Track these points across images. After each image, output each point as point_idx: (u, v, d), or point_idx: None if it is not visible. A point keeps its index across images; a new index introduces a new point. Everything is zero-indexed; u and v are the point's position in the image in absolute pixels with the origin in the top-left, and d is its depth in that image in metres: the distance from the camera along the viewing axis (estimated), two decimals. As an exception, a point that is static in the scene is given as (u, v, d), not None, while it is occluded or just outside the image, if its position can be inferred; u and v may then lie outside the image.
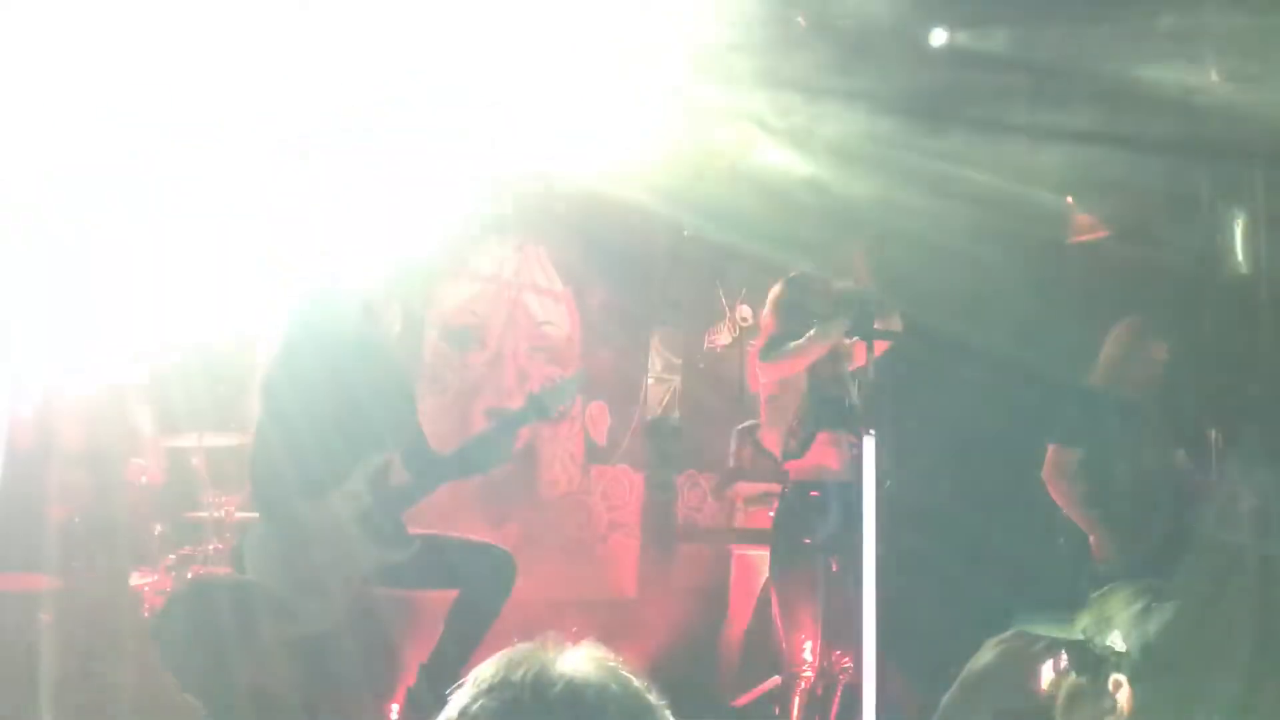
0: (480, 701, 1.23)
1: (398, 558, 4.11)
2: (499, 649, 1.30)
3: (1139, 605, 1.89)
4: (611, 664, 1.27)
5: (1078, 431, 5.83)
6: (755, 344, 4.94)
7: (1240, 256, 6.53)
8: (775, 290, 4.81)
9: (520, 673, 1.23)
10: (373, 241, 6.25)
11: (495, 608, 4.19)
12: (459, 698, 1.25)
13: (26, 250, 4.98)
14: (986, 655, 1.81)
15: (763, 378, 4.81)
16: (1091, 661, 1.86)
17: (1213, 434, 6.43)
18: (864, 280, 4.83)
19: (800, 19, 6.56)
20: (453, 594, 4.26)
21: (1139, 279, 6.95)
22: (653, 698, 1.27)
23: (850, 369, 4.59)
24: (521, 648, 1.29)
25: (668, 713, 1.27)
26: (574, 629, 1.34)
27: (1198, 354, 6.56)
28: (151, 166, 5.46)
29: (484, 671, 1.26)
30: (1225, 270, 6.55)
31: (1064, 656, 1.82)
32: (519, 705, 1.20)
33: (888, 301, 4.77)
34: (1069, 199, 7.26)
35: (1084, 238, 7.34)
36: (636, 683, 1.27)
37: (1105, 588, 1.82)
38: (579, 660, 1.26)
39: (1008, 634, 1.75)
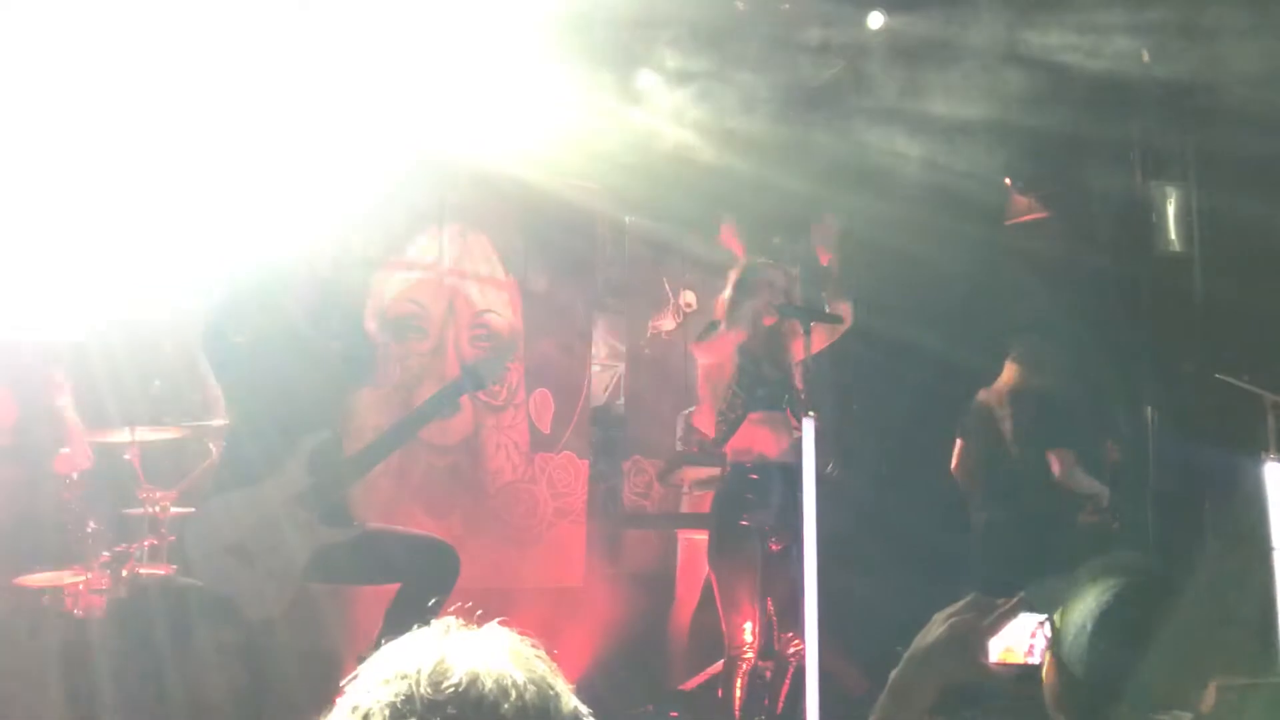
0: (373, 694, 1.15)
1: (339, 538, 4.06)
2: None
3: (1092, 583, 1.89)
4: (517, 647, 1.20)
5: (970, 427, 6.02)
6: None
7: (1173, 235, 6.61)
8: (731, 275, 4.81)
9: (417, 661, 1.16)
10: (311, 225, 6.21)
11: (436, 602, 4.15)
12: (353, 690, 1.17)
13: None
14: (936, 629, 1.79)
15: (698, 359, 4.82)
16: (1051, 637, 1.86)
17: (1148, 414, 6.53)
18: (828, 264, 4.81)
19: (739, 3, 6.56)
20: (394, 588, 4.22)
21: (1076, 259, 7.03)
22: (560, 682, 1.20)
23: (795, 352, 4.59)
24: (420, 633, 1.21)
25: (574, 699, 1.20)
26: (509, 622, 1.27)
27: (1132, 334, 6.66)
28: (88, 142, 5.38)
29: (378, 661, 1.18)
30: (1159, 248, 6.63)
31: (1040, 628, 1.83)
32: (411, 698, 1.12)
33: (843, 286, 4.77)
34: (1007, 181, 7.31)
35: (1022, 219, 7.40)
36: (543, 667, 1.19)
37: (1092, 561, 1.84)
38: (481, 646, 1.19)
39: (958, 605, 1.75)
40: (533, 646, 1.22)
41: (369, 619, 4.45)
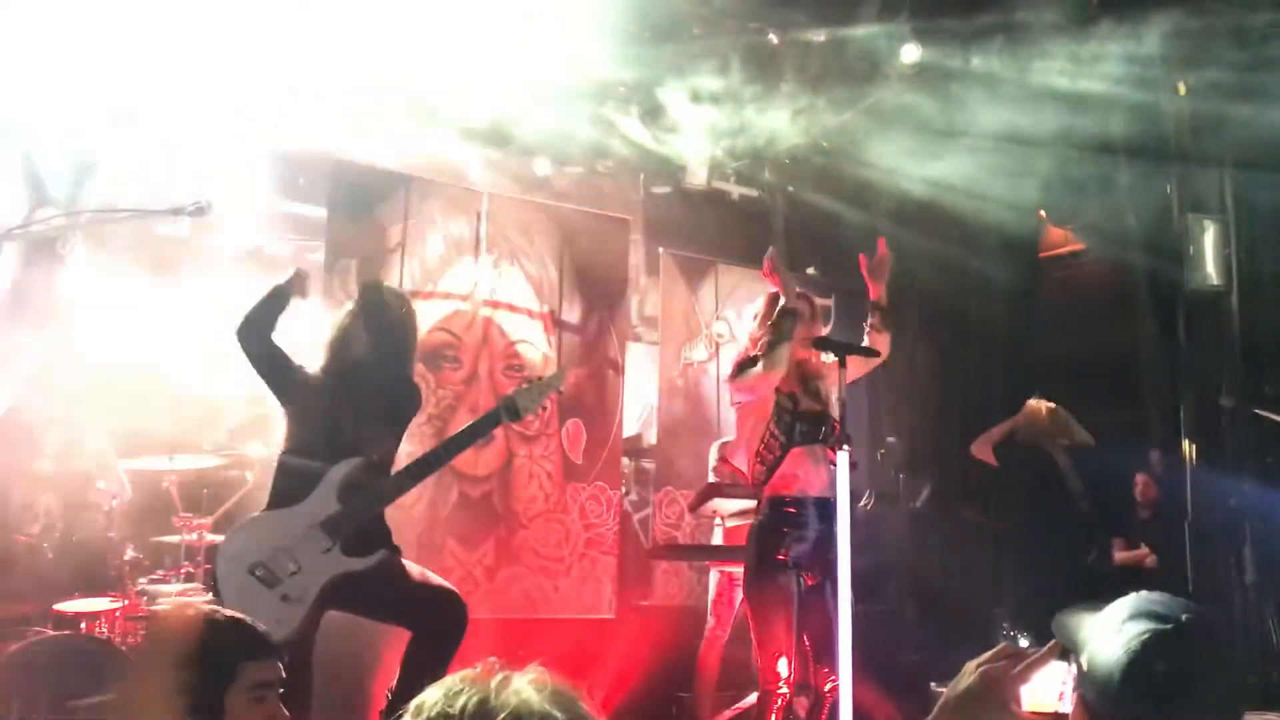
0: None
1: (358, 566, 4.10)
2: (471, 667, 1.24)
3: (1123, 625, 1.85)
4: (557, 689, 1.22)
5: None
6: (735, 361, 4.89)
7: (1210, 269, 6.56)
8: (762, 308, 4.77)
9: (461, 702, 1.17)
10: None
11: (447, 654, 4.17)
12: None
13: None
14: (967, 678, 1.76)
15: (735, 397, 4.79)
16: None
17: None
18: (876, 296, 4.76)
19: (773, 36, 6.61)
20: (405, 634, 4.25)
21: (1113, 291, 7.01)
22: None
23: (833, 385, 4.54)
24: (464, 675, 1.23)
25: None
26: (540, 652, 1.28)
27: (1169, 368, 6.61)
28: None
29: (426, 700, 1.20)
30: (1196, 282, 6.58)
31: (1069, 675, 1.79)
32: None
33: (888, 318, 4.72)
34: (1042, 214, 7.29)
35: (1057, 251, 7.38)
36: (584, 708, 1.21)
37: (1122, 602, 1.80)
38: (522, 687, 1.20)
39: (988, 654, 1.72)
40: (573, 687, 1.23)
41: (391, 654, 4.46)
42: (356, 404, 4.25)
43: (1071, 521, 6.52)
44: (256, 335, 4.31)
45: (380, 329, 4.36)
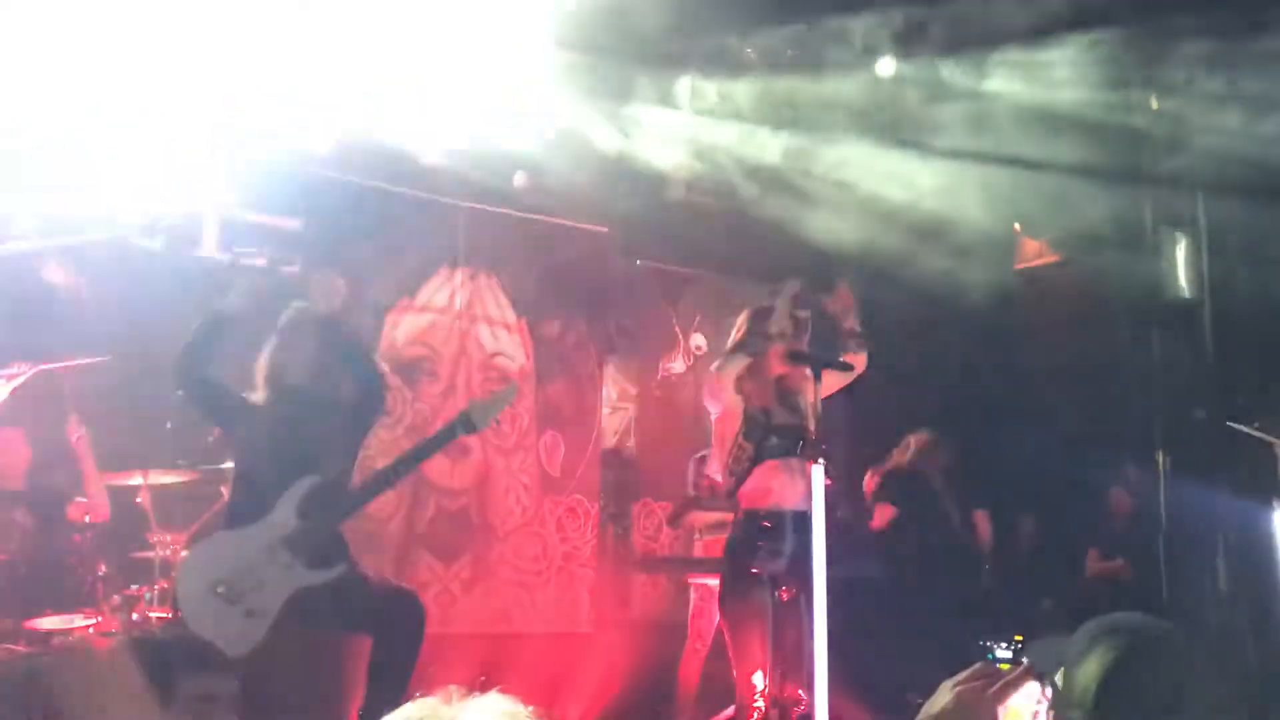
0: None
1: (318, 580, 4.13)
2: (444, 684, 1.24)
3: (1095, 644, 1.87)
4: (515, 711, 1.21)
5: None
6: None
7: (1183, 281, 6.61)
8: (740, 319, 4.82)
9: None
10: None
11: (410, 655, 4.19)
12: None
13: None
14: (943, 697, 1.77)
15: (706, 406, 4.83)
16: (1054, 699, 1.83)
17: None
18: (845, 314, 4.80)
19: (750, 50, 6.63)
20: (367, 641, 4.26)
21: (1087, 303, 7.04)
22: None
23: (810, 397, 4.56)
24: (424, 702, 1.22)
25: None
26: (517, 668, 1.27)
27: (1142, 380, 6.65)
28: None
29: None
30: (1169, 294, 6.63)
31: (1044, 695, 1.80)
32: None
33: (864, 336, 4.76)
34: (1016, 226, 7.33)
35: (1031, 263, 7.42)
36: None
37: (1093, 621, 1.80)
38: (482, 712, 1.20)
39: (964, 674, 1.72)
40: (531, 713, 1.22)
41: (355, 666, 4.46)
42: (304, 423, 4.26)
43: (954, 546, 6.62)
44: (191, 366, 4.30)
45: (322, 342, 4.37)
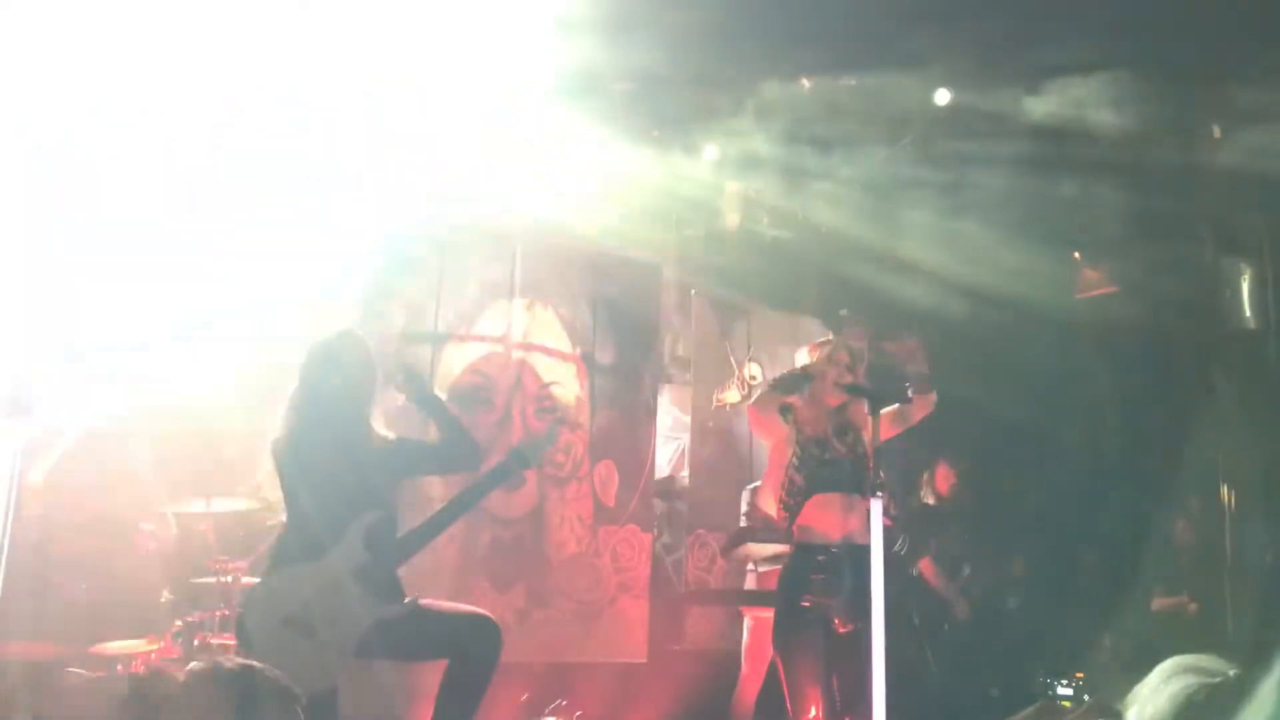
0: None
1: (391, 614, 4.14)
2: (504, 712, 1.25)
3: (1168, 684, 1.85)
4: None
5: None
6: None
7: (1248, 311, 6.52)
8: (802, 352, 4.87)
9: None
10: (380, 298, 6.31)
11: (485, 677, 4.20)
12: None
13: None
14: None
15: (756, 435, 4.87)
16: None
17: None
18: (911, 355, 4.80)
19: (805, 81, 6.64)
20: (442, 664, 4.27)
21: (1148, 334, 6.96)
22: None
23: (867, 433, 4.56)
24: None
25: None
26: (572, 696, 1.27)
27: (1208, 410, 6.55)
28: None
29: None
30: (1233, 325, 6.54)
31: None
32: None
33: (931, 376, 4.76)
34: (1076, 255, 7.27)
35: (1091, 293, 7.34)
36: None
37: (1168, 662, 1.78)
38: None
39: (1027, 711, 1.69)
40: None
41: (426, 689, 4.47)
42: (378, 468, 4.28)
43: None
44: None
45: (344, 384, 4.36)
